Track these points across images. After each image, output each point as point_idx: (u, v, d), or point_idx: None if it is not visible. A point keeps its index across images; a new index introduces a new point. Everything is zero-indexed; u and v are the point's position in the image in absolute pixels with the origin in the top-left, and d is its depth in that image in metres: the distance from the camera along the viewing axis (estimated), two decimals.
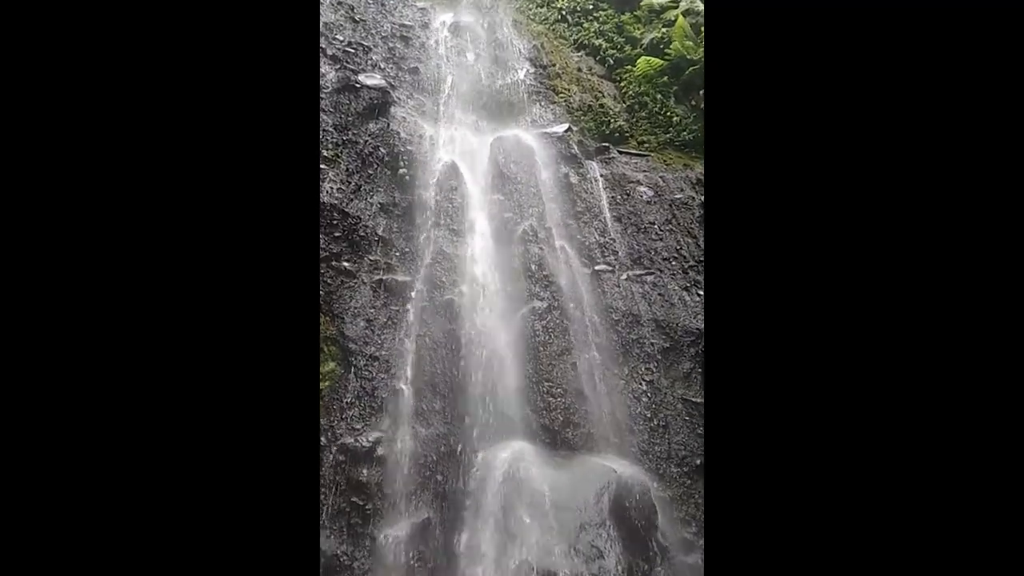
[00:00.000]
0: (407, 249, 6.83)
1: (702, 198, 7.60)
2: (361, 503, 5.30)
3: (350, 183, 6.86)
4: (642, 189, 7.74)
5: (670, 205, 7.63)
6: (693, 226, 7.45)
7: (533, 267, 6.68)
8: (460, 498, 5.31)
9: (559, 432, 5.70)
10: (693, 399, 6.20)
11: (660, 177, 7.97)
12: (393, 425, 5.74)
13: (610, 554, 4.59)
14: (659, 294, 6.93)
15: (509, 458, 5.27)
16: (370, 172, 7.10)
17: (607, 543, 4.63)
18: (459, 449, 5.59)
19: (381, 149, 7.28)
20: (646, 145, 8.58)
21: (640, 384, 6.33)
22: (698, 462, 5.89)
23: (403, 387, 5.95)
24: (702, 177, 7.85)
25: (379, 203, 6.94)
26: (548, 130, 8.31)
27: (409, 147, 7.49)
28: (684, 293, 6.96)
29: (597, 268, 7.04)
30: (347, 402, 5.72)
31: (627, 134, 8.65)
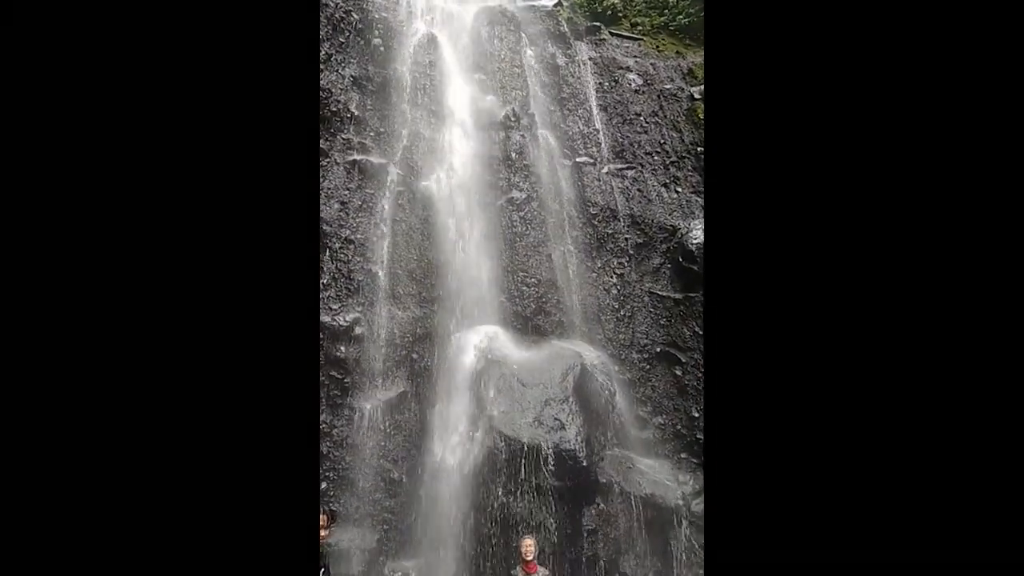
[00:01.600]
0: (382, 129, 6.50)
1: (692, 90, 7.30)
2: (340, 377, 5.57)
3: (319, 51, 6.32)
4: (631, 76, 7.36)
5: (659, 95, 7.33)
6: (679, 119, 7.23)
7: (514, 155, 6.50)
8: (434, 374, 5.63)
9: (531, 319, 5.94)
10: (660, 292, 6.45)
11: (651, 64, 7.55)
12: (369, 307, 5.87)
13: (571, 426, 5.02)
14: (638, 189, 6.90)
15: (482, 340, 5.52)
16: (341, 40, 6.52)
17: (569, 417, 5.05)
18: (434, 331, 5.81)
19: (353, 15, 6.63)
20: (639, 28, 8.02)
21: (611, 277, 6.52)
22: (658, 350, 6.28)
23: (378, 271, 6.00)
24: (694, 67, 7.47)
25: (351, 76, 6.46)
26: (536, 3, 7.63)
27: (384, 14, 6.83)
28: (663, 189, 6.94)
29: (578, 160, 6.89)
30: (323, 283, 5.77)
31: (620, 14, 8.04)
